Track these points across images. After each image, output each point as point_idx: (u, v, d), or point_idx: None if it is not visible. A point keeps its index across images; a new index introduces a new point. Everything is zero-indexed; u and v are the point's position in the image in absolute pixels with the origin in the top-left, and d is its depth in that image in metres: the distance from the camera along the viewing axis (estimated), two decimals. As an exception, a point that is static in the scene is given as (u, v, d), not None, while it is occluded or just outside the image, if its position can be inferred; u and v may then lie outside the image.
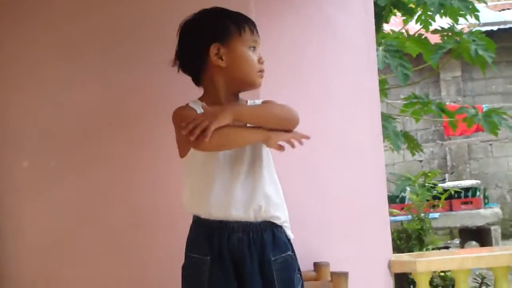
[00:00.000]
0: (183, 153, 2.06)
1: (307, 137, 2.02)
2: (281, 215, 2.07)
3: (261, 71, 2.10)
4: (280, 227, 2.07)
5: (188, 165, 2.06)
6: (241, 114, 1.96)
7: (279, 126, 1.99)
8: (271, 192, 2.05)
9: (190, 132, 1.89)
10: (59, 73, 2.62)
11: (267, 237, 2.03)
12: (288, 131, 2.00)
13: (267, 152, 2.09)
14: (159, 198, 2.57)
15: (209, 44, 2.05)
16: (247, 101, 2.16)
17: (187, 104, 2.08)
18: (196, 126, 1.89)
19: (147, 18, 2.62)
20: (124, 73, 2.60)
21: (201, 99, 2.10)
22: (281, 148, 2.00)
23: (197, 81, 2.14)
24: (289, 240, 2.10)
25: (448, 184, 8.37)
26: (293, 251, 2.10)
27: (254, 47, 2.09)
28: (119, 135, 2.59)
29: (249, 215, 2.01)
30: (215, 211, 2.01)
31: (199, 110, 2.04)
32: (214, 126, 1.88)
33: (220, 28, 2.07)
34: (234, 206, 1.99)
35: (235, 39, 2.06)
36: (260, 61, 2.09)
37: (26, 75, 2.64)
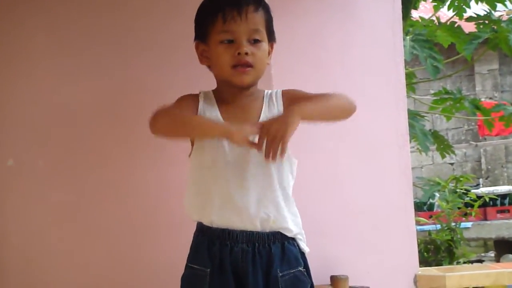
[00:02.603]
0: (190, 152, 2.07)
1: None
2: (293, 227, 2.04)
3: (238, 64, 2.00)
4: (292, 239, 2.05)
5: (191, 165, 2.07)
6: (306, 115, 1.93)
7: (341, 117, 2.04)
8: (281, 200, 2.03)
9: (267, 155, 1.84)
10: (49, 70, 2.65)
11: (275, 250, 2.01)
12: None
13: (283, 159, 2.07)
14: (158, 202, 2.59)
15: (195, 41, 2.09)
16: (264, 91, 2.12)
17: (199, 93, 2.09)
18: (270, 142, 1.83)
19: (143, 17, 2.64)
20: (119, 71, 2.61)
21: (214, 91, 2.11)
22: (252, 144, 1.89)
23: None
24: (302, 254, 2.08)
25: (483, 190, 8.35)
26: (306, 266, 2.08)
27: (229, 39, 2.00)
28: (114, 134, 2.61)
29: (255, 224, 1.99)
30: (216, 218, 2.00)
31: (207, 102, 2.04)
32: (290, 137, 1.84)
33: (199, 23, 2.07)
34: (238, 213, 1.98)
35: (210, 33, 2.03)
36: (237, 52, 1.99)
37: (14, 71, 2.66)
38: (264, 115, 2.05)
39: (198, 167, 2.04)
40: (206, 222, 2.02)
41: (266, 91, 2.13)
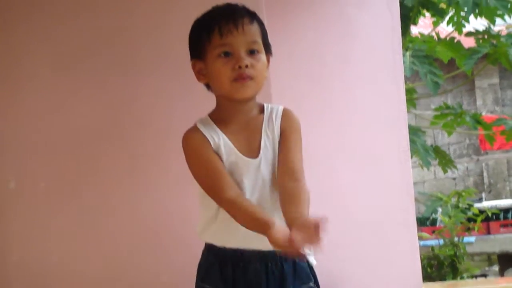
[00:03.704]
0: None
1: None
2: None
3: (238, 78, 1.96)
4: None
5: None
6: None
7: None
8: None
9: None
10: (50, 91, 2.64)
11: (287, 268, 2.01)
12: None
13: None
14: (160, 222, 2.58)
15: (191, 60, 2.05)
16: (263, 105, 2.08)
17: (196, 127, 2.02)
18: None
19: (144, 28, 2.63)
20: (120, 91, 2.61)
21: (211, 114, 2.08)
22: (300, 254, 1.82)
23: None
24: (311, 268, 2.07)
25: (485, 204, 8.32)
26: (315, 281, 2.08)
27: (226, 51, 1.97)
28: (116, 155, 2.60)
29: (268, 244, 1.99)
30: (231, 239, 1.99)
31: (211, 132, 1.99)
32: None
33: (194, 41, 2.05)
34: (251, 234, 1.94)
35: (207, 49, 2.00)
36: (237, 65, 1.96)
37: (15, 92, 2.66)
38: (265, 133, 2.03)
39: None
40: (219, 244, 2.02)
41: (266, 105, 2.09)
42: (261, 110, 2.07)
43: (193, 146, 1.99)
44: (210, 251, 2.04)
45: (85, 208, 2.62)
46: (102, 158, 2.61)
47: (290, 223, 1.83)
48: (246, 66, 1.96)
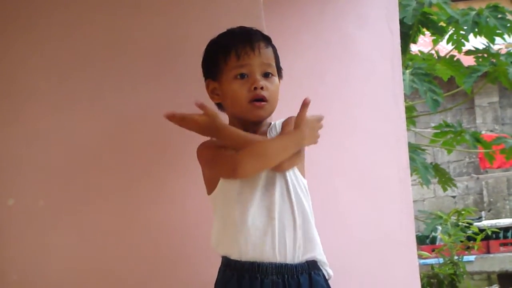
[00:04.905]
0: (210, 189, 2.09)
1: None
2: (319, 255, 2.09)
3: (255, 99, 2.05)
4: (318, 268, 2.08)
5: (217, 200, 2.09)
6: None
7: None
8: (310, 229, 2.08)
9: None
10: (48, 108, 2.63)
11: (303, 281, 2.03)
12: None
13: (305, 185, 2.11)
14: (160, 239, 2.56)
15: (206, 80, 2.14)
16: (270, 123, 2.17)
17: (211, 139, 2.10)
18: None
19: (144, 40, 2.64)
20: (119, 107, 2.60)
21: None
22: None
23: None
24: (326, 281, 2.11)
25: (485, 223, 8.31)
26: None
27: (243, 73, 2.06)
28: (115, 171, 2.59)
29: (285, 256, 2.01)
30: (248, 251, 2.01)
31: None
32: None
33: (209, 62, 2.12)
34: (270, 245, 2.00)
35: (223, 70, 2.07)
36: (253, 86, 2.05)
37: (13, 109, 2.65)
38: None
39: (224, 201, 2.06)
40: (235, 256, 2.04)
41: (272, 122, 2.17)
42: (268, 127, 2.16)
43: (208, 144, 2.08)
44: (227, 266, 2.06)
45: (84, 226, 2.60)
46: (101, 175, 2.60)
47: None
48: (262, 88, 2.04)
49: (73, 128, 2.63)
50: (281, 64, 2.22)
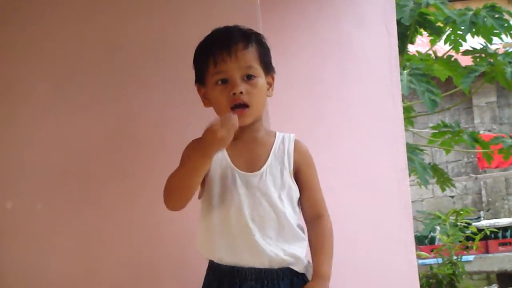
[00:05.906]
0: (199, 193, 2.08)
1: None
2: (302, 262, 2.05)
3: (235, 106, 2.00)
4: (302, 274, 2.05)
5: (202, 204, 2.08)
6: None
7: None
8: (292, 233, 2.04)
9: None
10: (47, 112, 2.63)
11: (283, 286, 2.01)
12: None
13: (295, 190, 2.07)
14: (160, 242, 2.56)
15: (195, 84, 2.12)
16: (275, 133, 2.12)
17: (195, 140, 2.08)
18: None
19: (142, 46, 2.63)
20: (117, 111, 2.59)
21: None
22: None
23: None
24: None
25: (484, 222, 8.31)
26: None
27: (223, 78, 2.02)
28: (114, 176, 2.58)
29: (264, 261, 1.99)
30: (227, 255, 2.01)
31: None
32: None
33: (196, 67, 2.10)
34: (247, 250, 1.99)
35: (206, 76, 2.06)
36: (232, 92, 2.00)
37: (12, 113, 2.65)
38: (273, 153, 2.06)
39: (207, 205, 2.05)
40: (216, 259, 2.03)
41: (278, 133, 2.12)
42: (273, 135, 2.12)
43: (187, 147, 2.07)
44: (211, 269, 2.06)
45: (82, 229, 2.60)
46: (100, 179, 2.60)
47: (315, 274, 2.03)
48: (241, 93, 2.00)
49: (70, 131, 2.62)
50: (278, 64, 2.18)
